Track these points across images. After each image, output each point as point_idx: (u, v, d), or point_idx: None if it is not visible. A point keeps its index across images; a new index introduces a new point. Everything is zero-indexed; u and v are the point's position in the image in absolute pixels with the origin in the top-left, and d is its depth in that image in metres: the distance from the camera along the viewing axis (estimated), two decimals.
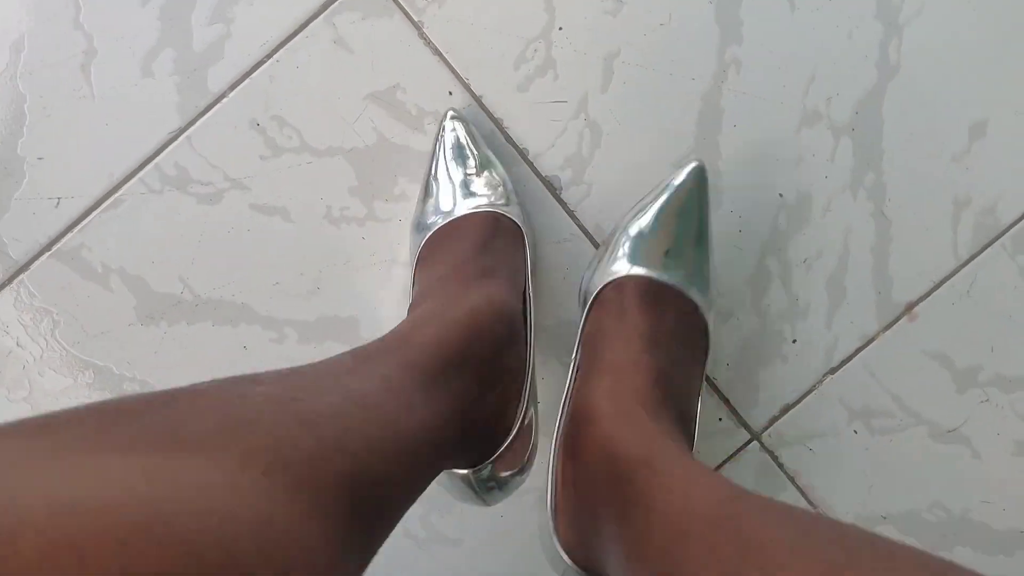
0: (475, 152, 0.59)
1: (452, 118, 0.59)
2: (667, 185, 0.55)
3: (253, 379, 0.31)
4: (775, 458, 0.64)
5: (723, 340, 0.63)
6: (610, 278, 0.54)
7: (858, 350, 0.63)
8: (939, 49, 0.61)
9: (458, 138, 0.59)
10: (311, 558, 0.24)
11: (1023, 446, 0.64)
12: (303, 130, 0.62)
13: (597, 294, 0.54)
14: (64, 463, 0.20)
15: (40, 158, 0.61)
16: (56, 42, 0.61)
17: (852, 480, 0.64)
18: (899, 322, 0.63)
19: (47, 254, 0.62)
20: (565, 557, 0.45)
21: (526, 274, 0.56)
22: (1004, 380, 0.63)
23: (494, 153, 0.60)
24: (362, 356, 0.39)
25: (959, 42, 0.61)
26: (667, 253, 0.54)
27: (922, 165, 0.62)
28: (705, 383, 0.63)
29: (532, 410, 0.52)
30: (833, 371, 0.63)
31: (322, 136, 0.62)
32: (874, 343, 0.63)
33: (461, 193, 0.58)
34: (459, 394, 0.42)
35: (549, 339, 0.63)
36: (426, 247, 0.57)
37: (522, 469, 0.51)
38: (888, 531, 0.64)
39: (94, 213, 0.62)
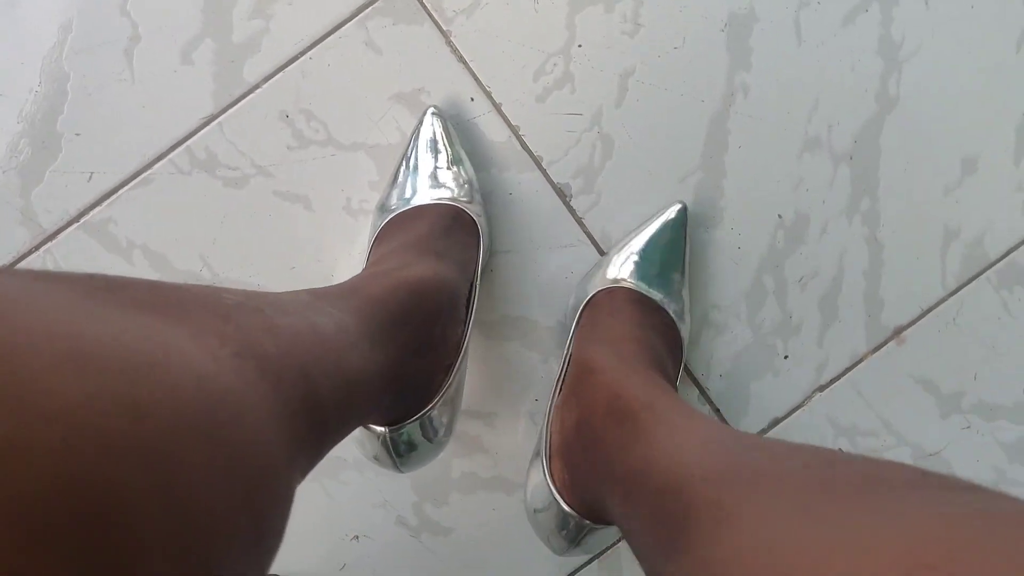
0: (448, 148, 0.62)
1: (432, 114, 0.62)
2: (659, 217, 0.62)
3: (222, 288, 0.32)
4: None
5: (717, 351, 0.65)
6: (604, 285, 0.59)
7: (847, 369, 0.66)
8: (936, 86, 0.65)
9: (434, 132, 0.62)
10: (270, 438, 0.25)
11: (1003, 474, 0.66)
12: (329, 124, 0.65)
13: (590, 298, 0.59)
14: (83, 315, 0.21)
15: (77, 134, 0.64)
16: (103, 26, 0.64)
17: None
18: (887, 345, 0.65)
19: (75, 225, 0.64)
20: (559, 498, 0.48)
21: (476, 269, 0.58)
22: (986, 407, 0.65)
23: (497, 157, 0.63)
24: (318, 295, 0.40)
25: (955, 80, 0.65)
26: (652, 274, 0.60)
27: (916, 195, 0.65)
28: (698, 392, 0.65)
29: (459, 389, 0.54)
30: (822, 388, 0.66)
31: (347, 131, 0.65)
32: (863, 363, 0.66)
33: (428, 183, 0.60)
34: (397, 351, 0.43)
35: (551, 339, 0.65)
36: (385, 228, 0.59)
37: (440, 442, 0.52)
38: None
39: (124, 189, 0.64)
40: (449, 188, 0.60)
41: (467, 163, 0.62)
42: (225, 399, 0.23)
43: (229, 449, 0.22)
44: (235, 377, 0.24)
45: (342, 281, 0.46)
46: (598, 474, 0.43)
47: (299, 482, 0.29)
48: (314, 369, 0.31)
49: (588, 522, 0.48)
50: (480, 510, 0.65)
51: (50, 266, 0.64)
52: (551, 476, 0.50)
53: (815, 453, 0.30)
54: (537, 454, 0.53)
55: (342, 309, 0.39)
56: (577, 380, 0.51)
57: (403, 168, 0.62)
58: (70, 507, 0.16)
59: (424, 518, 0.66)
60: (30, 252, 0.64)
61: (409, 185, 0.61)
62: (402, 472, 0.52)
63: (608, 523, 0.48)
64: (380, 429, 0.48)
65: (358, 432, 0.49)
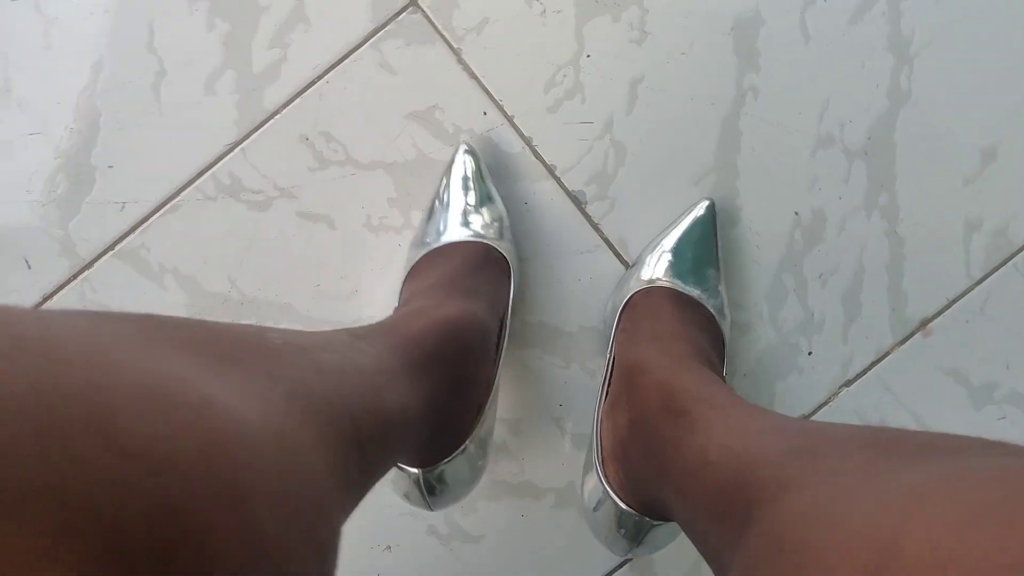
0: (479, 186, 0.63)
1: (465, 152, 0.63)
2: (688, 215, 0.62)
3: (266, 328, 0.33)
4: None
5: (741, 351, 0.65)
6: (640, 287, 0.60)
7: (873, 364, 0.65)
8: (949, 78, 0.64)
9: (466, 171, 0.63)
10: (324, 478, 0.26)
11: None
12: (349, 145, 0.67)
13: (628, 299, 0.60)
14: (148, 354, 0.22)
15: (110, 166, 0.67)
16: (131, 64, 0.67)
17: None
18: (914, 337, 0.65)
19: (110, 253, 0.67)
20: (614, 497, 0.48)
21: (507, 305, 0.59)
22: (1020, 398, 0.64)
23: (511, 167, 0.64)
24: (356, 334, 0.41)
25: (968, 72, 0.64)
26: (687, 271, 0.60)
27: (935, 187, 0.65)
28: None
29: (489, 428, 0.54)
30: (848, 383, 0.65)
31: (366, 151, 0.67)
32: (889, 357, 0.65)
33: (460, 221, 0.62)
34: (432, 389, 0.43)
35: (573, 344, 0.66)
36: (418, 264, 0.61)
37: (471, 480, 0.53)
38: None
39: (154, 216, 0.67)
40: (480, 226, 0.62)
41: (498, 200, 0.64)
42: (284, 439, 0.24)
43: (293, 486, 0.23)
44: (288, 418, 0.25)
45: (376, 321, 0.47)
46: (655, 472, 0.43)
47: (344, 523, 0.30)
48: (358, 408, 0.32)
49: (647, 519, 0.48)
50: (509, 517, 0.66)
51: (87, 293, 0.67)
52: (606, 478, 0.50)
53: (879, 430, 0.30)
54: (590, 463, 0.54)
55: (380, 347, 0.40)
56: (626, 381, 0.51)
57: (437, 204, 0.64)
58: (155, 534, 0.17)
59: (454, 526, 0.66)
60: (69, 281, 0.67)
61: (442, 222, 0.62)
62: (433, 511, 0.53)
63: (669, 519, 0.48)
64: (414, 471, 0.49)
65: (391, 472, 0.50)
